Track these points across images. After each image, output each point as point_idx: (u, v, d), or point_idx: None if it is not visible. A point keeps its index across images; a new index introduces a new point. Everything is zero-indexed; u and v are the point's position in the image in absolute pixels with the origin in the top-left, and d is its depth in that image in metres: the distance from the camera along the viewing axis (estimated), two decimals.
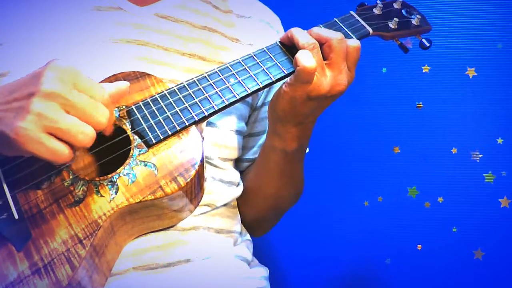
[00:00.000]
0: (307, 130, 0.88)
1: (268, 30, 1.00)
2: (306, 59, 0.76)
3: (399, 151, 1.46)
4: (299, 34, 0.80)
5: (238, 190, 0.96)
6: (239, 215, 0.99)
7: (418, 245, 1.45)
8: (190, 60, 0.89)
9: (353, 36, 0.85)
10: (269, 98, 0.99)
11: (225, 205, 0.92)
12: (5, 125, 0.62)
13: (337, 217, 1.49)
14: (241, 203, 1.01)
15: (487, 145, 1.40)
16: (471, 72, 1.41)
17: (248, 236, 1.01)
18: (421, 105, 1.45)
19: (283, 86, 0.81)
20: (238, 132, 0.95)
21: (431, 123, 1.44)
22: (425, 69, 1.44)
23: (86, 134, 0.64)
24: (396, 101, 1.46)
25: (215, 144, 0.90)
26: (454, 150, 1.42)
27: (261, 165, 0.96)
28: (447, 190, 1.43)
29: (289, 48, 0.82)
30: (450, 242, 1.42)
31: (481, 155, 1.41)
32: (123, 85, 0.72)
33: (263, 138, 1.01)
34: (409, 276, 1.45)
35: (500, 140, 1.39)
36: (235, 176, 0.96)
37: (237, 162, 1.03)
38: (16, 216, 0.69)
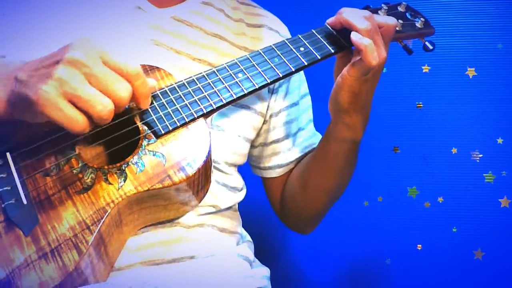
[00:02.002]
0: (368, 116, 0.91)
1: (277, 37, 1.01)
2: (373, 55, 0.78)
3: (399, 151, 1.46)
4: (355, 19, 0.80)
5: (241, 195, 0.98)
6: (240, 218, 1.00)
7: (418, 245, 1.45)
8: (199, 65, 0.91)
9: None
10: (286, 104, 1.02)
11: (228, 208, 0.94)
12: (29, 88, 0.63)
13: (337, 217, 1.48)
14: (301, 201, 1.04)
15: (487, 145, 1.40)
16: (471, 72, 1.41)
17: (248, 238, 1.03)
18: (421, 105, 1.45)
19: (340, 79, 0.83)
20: (247, 139, 0.97)
21: (431, 123, 1.44)
22: (425, 69, 1.44)
23: (104, 106, 0.64)
24: (396, 101, 1.45)
25: (223, 148, 0.92)
26: (454, 150, 1.42)
27: (325, 159, 0.98)
28: (447, 190, 1.43)
29: (304, 41, 0.85)
30: (450, 242, 1.42)
31: (481, 155, 1.41)
32: (152, 83, 0.73)
33: (287, 143, 1.04)
34: (409, 276, 1.45)
35: (500, 140, 1.40)
36: (239, 181, 0.98)
37: (266, 170, 1.07)
38: (25, 201, 0.69)
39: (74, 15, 0.87)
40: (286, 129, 1.03)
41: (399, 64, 1.44)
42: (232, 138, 0.94)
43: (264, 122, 1.02)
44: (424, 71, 1.44)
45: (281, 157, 1.05)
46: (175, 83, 0.80)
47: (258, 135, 1.02)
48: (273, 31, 1.02)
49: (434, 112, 1.44)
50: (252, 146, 1.04)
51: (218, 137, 0.90)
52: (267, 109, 1.01)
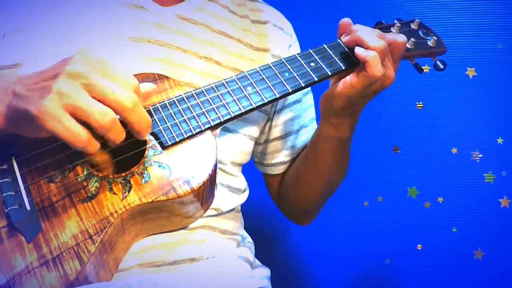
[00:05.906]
0: (357, 117, 0.92)
1: (282, 34, 1.02)
2: (377, 68, 0.79)
3: (399, 151, 1.46)
4: (368, 37, 0.80)
5: (243, 197, 0.98)
6: (242, 219, 1.01)
7: (418, 245, 1.45)
8: (206, 63, 0.90)
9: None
10: (288, 101, 1.03)
11: (230, 210, 0.94)
12: (29, 103, 0.62)
13: (337, 217, 1.49)
14: (294, 196, 1.06)
15: (487, 145, 1.40)
16: (471, 72, 1.41)
17: (249, 239, 1.03)
18: (421, 105, 1.45)
19: (341, 85, 0.83)
20: (252, 138, 0.97)
21: (431, 123, 1.44)
22: (425, 69, 1.43)
23: (105, 114, 0.62)
24: (396, 101, 1.45)
25: (230, 148, 0.92)
26: (454, 150, 1.42)
27: (314, 156, 0.99)
28: (447, 190, 1.43)
29: (316, 55, 0.84)
30: (450, 242, 1.42)
31: (481, 155, 1.41)
32: (149, 87, 0.70)
33: (289, 140, 1.05)
34: (409, 276, 1.45)
35: (500, 140, 1.39)
36: (242, 182, 0.98)
37: (269, 167, 1.08)
38: (28, 207, 0.69)
39: (75, 14, 0.86)
40: (288, 126, 1.04)
41: (399, 64, 1.43)
42: (239, 138, 0.94)
43: (268, 119, 1.02)
44: (424, 71, 1.43)
45: (284, 154, 1.06)
46: (184, 94, 0.79)
47: (262, 132, 1.03)
48: (277, 28, 1.02)
49: (434, 112, 1.44)
50: (257, 143, 1.05)
51: (226, 137, 0.90)
52: (271, 107, 1.01)
